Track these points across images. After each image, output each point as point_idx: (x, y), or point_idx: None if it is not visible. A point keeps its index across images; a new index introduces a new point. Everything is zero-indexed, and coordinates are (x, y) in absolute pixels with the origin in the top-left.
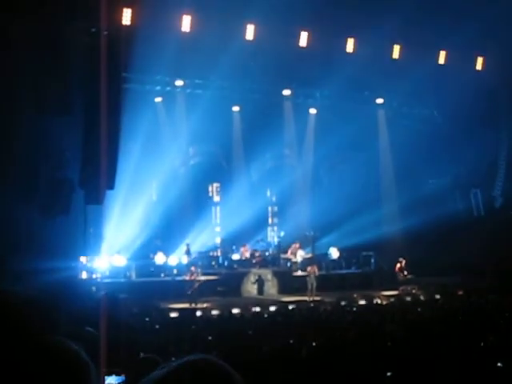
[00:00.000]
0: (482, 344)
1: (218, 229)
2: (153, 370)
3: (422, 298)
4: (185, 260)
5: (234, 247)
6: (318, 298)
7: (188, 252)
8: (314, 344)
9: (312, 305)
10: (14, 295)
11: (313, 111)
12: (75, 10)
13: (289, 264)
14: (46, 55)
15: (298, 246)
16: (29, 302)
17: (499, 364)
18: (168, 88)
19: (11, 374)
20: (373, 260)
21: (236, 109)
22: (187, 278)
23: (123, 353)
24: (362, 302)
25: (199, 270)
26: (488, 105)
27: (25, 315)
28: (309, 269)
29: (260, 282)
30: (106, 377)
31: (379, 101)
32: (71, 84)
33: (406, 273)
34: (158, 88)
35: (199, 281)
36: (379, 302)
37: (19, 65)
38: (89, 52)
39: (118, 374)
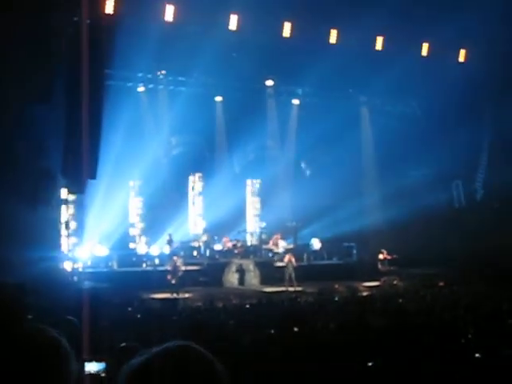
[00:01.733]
0: (463, 336)
1: (199, 219)
2: (133, 357)
3: (403, 289)
4: (167, 250)
5: (215, 237)
6: (299, 289)
7: (170, 242)
8: (294, 334)
9: (293, 295)
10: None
11: (295, 102)
12: None
13: (271, 254)
14: (29, 43)
15: (279, 236)
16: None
17: (477, 355)
18: (150, 77)
19: None
20: (354, 251)
21: (219, 99)
22: (170, 267)
23: (104, 341)
24: (344, 293)
25: (181, 260)
26: (470, 97)
27: (13, 302)
28: (286, 258)
29: (241, 273)
30: (86, 364)
31: (362, 92)
32: (53, 72)
33: (387, 263)
34: (140, 77)
35: (182, 270)
36: (361, 292)
37: (1, 52)
38: (71, 41)
39: (98, 361)
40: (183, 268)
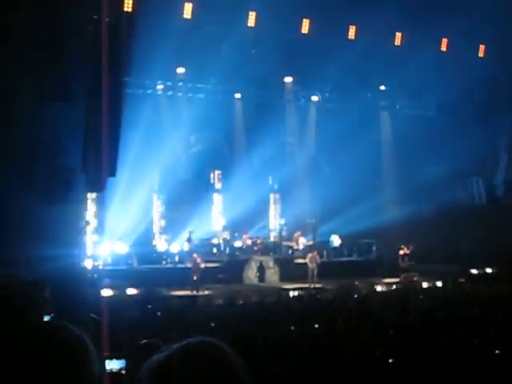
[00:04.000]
0: (483, 332)
1: (219, 216)
2: (154, 354)
3: (423, 285)
4: (186, 247)
5: (235, 234)
6: (319, 286)
7: (189, 239)
8: (315, 331)
9: (313, 292)
10: (17, 278)
11: (314, 98)
12: None
13: (290, 251)
14: (47, 42)
15: (299, 233)
16: (30, 285)
17: (497, 351)
18: (168, 75)
19: (13, 360)
20: (374, 247)
21: (238, 96)
22: (190, 265)
23: (125, 338)
24: (364, 290)
25: (201, 258)
26: (489, 93)
27: (28, 297)
28: (309, 256)
29: (261, 270)
30: (107, 361)
31: (381, 88)
32: (72, 71)
33: (407, 259)
34: (159, 76)
35: (202, 268)
36: (381, 289)
37: (19, 51)
38: (90, 39)
39: (119, 359)
40: (203, 265)
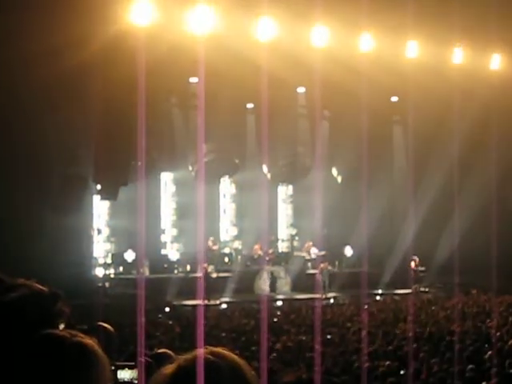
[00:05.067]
0: (497, 344)
1: (231, 226)
2: (165, 364)
3: (435, 296)
4: (200, 256)
5: (247, 244)
6: (331, 295)
7: (203, 249)
8: (326, 341)
9: (325, 302)
10: (31, 289)
11: (326, 113)
12: None
13: (302, 261)
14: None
15: (310, 243)
16: (44, 295)
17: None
18: (182, 85)
19: (27, 368)
20: (386, 258)
21: (250, 105)
22: (201, 275)
23: (136, 348)
24: (376, 301)
25: (212, 267)
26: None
27: (42, 310)
28: (321, 266)
29: (273, 280)
30: (118, 371)
31: (393, 99)
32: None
33: (419, 271)
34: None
35: (213, 277)
36: (393, 300)
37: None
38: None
39: (130, 368)
40: (214, 275)
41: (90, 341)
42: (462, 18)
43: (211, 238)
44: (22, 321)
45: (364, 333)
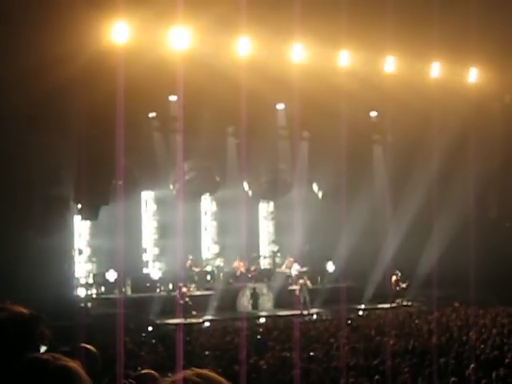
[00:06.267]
0: (479, 357)
1: (212, 243)
2: None
3: (418, 310)
4: (181, 275)
5: (228, 262)
6: (313, 312)
7: (184, 267)
8: (310, 358)
9: (308, 318)
10: (13, 314)
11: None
12: None
13: (284, 278)
14: None
15: (292, 260)
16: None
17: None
18: (162, 103)
19: None
20: (368, 273)
21: (230, 123)
22: (177, 295)
23: (120, 368)
24: (359, 316)
25: (188, 286)
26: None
27: (24, 333)
28: (300, 282)
29: (255, 296)
30: None
31: (372, 114)
32: None
33: (402, 285)
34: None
35: (188, 297)
36: (376, 315)
37: None
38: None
39: None
40: (189, 294)
41: (73, 364)
42: (439, 33)
43: (190, 257)
44: (2, 345)
45: (347, 348)
